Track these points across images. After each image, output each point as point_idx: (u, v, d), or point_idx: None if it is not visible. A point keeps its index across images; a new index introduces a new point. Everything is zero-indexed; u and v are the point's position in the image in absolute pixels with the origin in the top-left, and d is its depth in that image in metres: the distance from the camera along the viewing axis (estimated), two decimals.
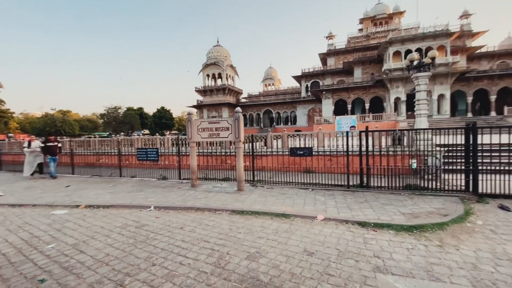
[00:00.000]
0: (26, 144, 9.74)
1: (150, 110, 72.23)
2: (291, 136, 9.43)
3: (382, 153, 6.85)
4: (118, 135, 43.12)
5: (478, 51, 32.05)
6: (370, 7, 43.96)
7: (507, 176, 5.29)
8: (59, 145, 9.69)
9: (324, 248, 3.34)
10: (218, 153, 8.63)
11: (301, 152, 6.78)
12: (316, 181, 6.97)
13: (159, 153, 8.42)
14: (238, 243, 3.56)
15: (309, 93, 42.88)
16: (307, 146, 8.76)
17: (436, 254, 3.10)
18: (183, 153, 8.36)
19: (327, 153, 8.12)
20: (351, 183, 6.54)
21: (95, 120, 66.36)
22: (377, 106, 31.37)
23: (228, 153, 8.54)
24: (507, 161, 5.79)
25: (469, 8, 42.44)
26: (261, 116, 49.72)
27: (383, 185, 6.26)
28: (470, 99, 28.32)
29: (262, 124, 48.85)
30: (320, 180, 6.94)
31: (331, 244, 3.46)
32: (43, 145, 9.41)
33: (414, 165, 6.18)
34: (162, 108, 72.29)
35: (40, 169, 9.88)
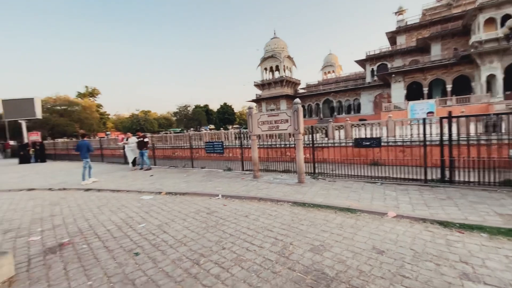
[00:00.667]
0: (125, 139, 11.57)
1: (214, 106, 77.45)
2: (355, 126, 8.80)
3: (471, 142, 5.77)
4: (188, 130, 47.97)
5: None
6: None
7: None
8: (146, 139, 11.16)
9: (396, 247, 3.06)
10: (277, 145, 8.73)
11: (368, 143, 6.27)
12: (385, 174, 6.38)
13: (224, 146, 9.02)
14: (301, 235, 3.57)
15: (375, 78, 38.97)
16: (374, 136, 8.04)
17: None
18: (245, 146, 8.75)
19: (399, 143, 7.28)
20: (429, 177, 5.74)
21: (170, 117, 75.06)
22: (462, 87, 26.32)
23: (288, 145, 8.53)
24: None
25: None
26: (321, 106, 47.81)
27: (472, 180, 5.29)
28: None
29: (321, 115, 46.98)
30: (391, 174, 6.32)
31: (404, 244, 3.14)
32: (138, 140, 10.80)
33: None
34: (225, 104, 76.70)
35: (133, 161, 11.65)
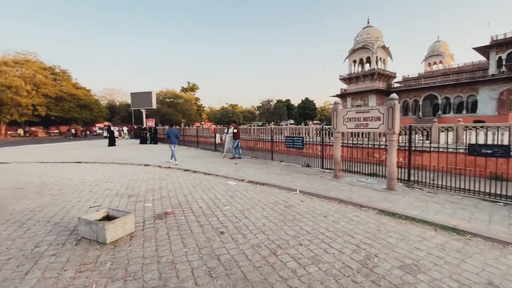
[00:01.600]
0: (226, 130, 12.78)
1: (295, 101, 77.47)
2: (469, 129, 7.10)
3: None
4: (268, 124, 49.66)
5: None
6: None
7: None
8: (235, 130, 11.98)
9: None
10: (363, 145, 7.98)
11: (489, 151, 4.96)
12: (510, 192, 4.94)
13: (304, 142, 8.90)
14: (388, 248, 3.19)
15: (504, 69, 30.36)
16: (499, 142, 6.30)
17: None
18: (326, 143, 8.39)
19: None
20: None
21: (253, 111, 79.53)
22: None
23: (376, 146, 7.68)
24: None
25: None
26: (420, 103, 40.94)
27: None
28: None
29: (421, 113, 40.24)
30: None
31: None
32: (235, 131, 11.51)
33: None
34: (306, 99, 75.53)
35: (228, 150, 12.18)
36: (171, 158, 10.58)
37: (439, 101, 38.15)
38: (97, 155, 13.75)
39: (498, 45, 31.63)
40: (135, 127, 32.64)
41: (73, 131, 38.47)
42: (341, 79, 47.93)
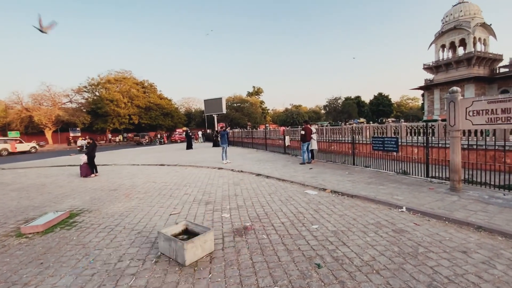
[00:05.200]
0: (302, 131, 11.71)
1: (366, 98, 70.69)
2: None
3: None
4: (335, 124, 46.36)
5: None
6: None
7: None
8: (302, 132, 10.94)
9: None
10: (488, 147, 5.92)
11: None
12: None
13: (399, 143, 7.28)
14: None
15: None
16: None
17: None
18: (431, 145, 6.59)
19: None
20: None
21: (318, 111, 76.27)
22: None
23: (508, 148, 5.59)
24: None
25: None
26: None
27: None
28: None
29: None
30: None
31: None
32: (303, 132, 10.14)
33: None
34: (380, 94, 68.31)
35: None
36: (223, 158, 11.41)
37: None
38: (177, 158, 14.83)
39: None
40: (208, 131, 35.01)
41: (158, 136, 42.38)
42: (425, 68, 40.93)
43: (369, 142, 8.82)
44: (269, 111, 77.93)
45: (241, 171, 9.09)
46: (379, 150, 7.79)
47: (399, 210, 4.52)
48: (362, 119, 62.56)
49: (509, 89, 34.20)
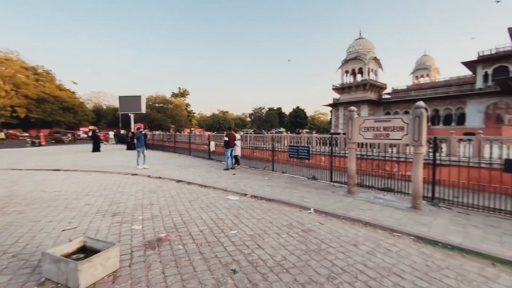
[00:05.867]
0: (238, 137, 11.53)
1: (286, 110, 77.61)
2: (494, 142, 6.61)
3: None
4: (259, 132, 49.09)
5: None
6: None
7: None
8: (226, 138, 11.00)
9: None
10: (377, 157, 7.38)
11: None
12: None
13: (310, 152, 8.21)
14: None
15: (490, 83, 31.30)
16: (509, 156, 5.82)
17: None
18: (335, 154, 7.72)
19: None
20: None
21: (244, 118, 78.95)
22: None
23: (388, 158, 7.11)
24: None
25: None
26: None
27: None
28: None
29: None
30: None
31: None
32: (227, 138, 10.11)
33: None
34: (297, 107, 75.92)
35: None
36: (139, 163, 10.57)
37: (429, 113, 38.79)
38: (79, 161, 12.55)
39: (484, 60, 32.65)
40: (122, 132, 31.09)
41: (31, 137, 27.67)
42: (333, 89, 48.25)
43: (286, 150, 9.62)
44: (195, 114, 75.87)
45: (160, 178, 8.41)
46: (294, 157, 8.60)
47: (308, 211, 5.06)
48: (282, 129, 68.23)
49: (390, 112, 43.74)
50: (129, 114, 28.52)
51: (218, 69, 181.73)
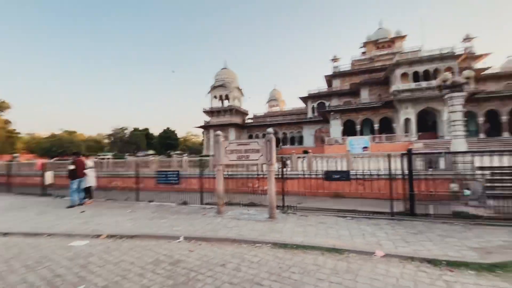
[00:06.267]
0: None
1: (155, 131, 72.75)
2: (317, 158, 8.99)
3: (423, 177, 6.38)
4: (122, 155, 43.00)
5: (483, 73, 32.20)
6: (372, 32, 45.24)
7: None
8: (71, 167, 8.22)
9: None
10: (241, 176, 8.19)
11: (337, 176, 6.31)
12: (349, 207, 6.44)
13: (180, 176, 7.99)
14: (297, 287, 3.01)
15: (316, 114, 43.06)
16: (335, 168, 8.30)
17: None
18: (205, 176, 7.91)
19: (359, 177, 7.61)
20: (388, 211, 5.93)
21: (101, 140, 66.80)
22: (386, 127, 31.08)
23: (254, 176, 8.10)
24: None
25: (471, 32, 43.29)
26: None
27: (430, 212, 5.69)
28: (481, 120, 27.98)
29: None
30: (354, 206, 6.43)
31: None
32: (72, 167, 8.15)
33: (468, 192, 5.65)
34: (168, 128, 72.93)
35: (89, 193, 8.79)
36: None
37: (280, 135, 47.99)
38: None
39: (312, 97, 44.72)
40: None
41: None
42: (204, 112, 50.26)
43: (154, 176, 8.89)
44: (21, 135, 56.50)
45: None
46: (163, 183, 8.06)
47: (177, 240, 4.79)
48: (151, 151, 63.01)
49: (253, 134, 50.27)
50: None
51: (64, 82, 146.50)
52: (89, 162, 9.07)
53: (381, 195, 6.71)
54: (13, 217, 6.89)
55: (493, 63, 46.03)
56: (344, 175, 6.30)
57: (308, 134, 44.86)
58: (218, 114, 48.97)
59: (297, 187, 8.10)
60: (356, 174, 7.37)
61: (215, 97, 49.59)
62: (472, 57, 33.91)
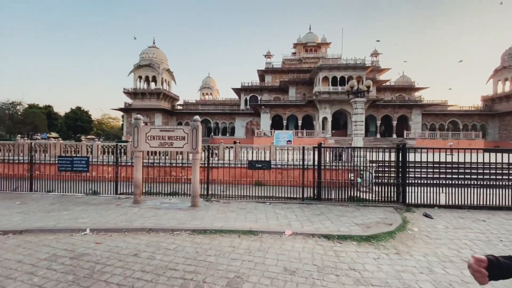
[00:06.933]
0: None
1: (61, 109, 60.95)
2: (244, 148, 9.35)
3: (327, 167, 7.50)
4: (11, 137, 34.60)
5: (384, 84, 39.45)
6: (302, 35, 49.12)
7: (426, 188, 6.47)
8: None
9: (303, 265, 3.30)
10: (163, 164, 7.81)
11: (260, 166, 6.76)
12: (268, 194, 7.04)
13: (89, 163, 7.04)
14: (212, 268, 3.18)
15: (248, 106, 44.27)
16: (259, 159, 8.84)
17: (398, 262, 3.45)
18: (122, 163, 7.20)
19: (279, 166, 8.35)
20: (300, 196, 6.79)
21: None
22: (308, 124, 34.67)
23: (177, 164, 7.84)
24: (426, 175, 7.10)
25: (377, 48, 51.92)
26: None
27: (332, 197, 6.77)
28: (379, 123, 34.34)
29: None
30: (272, 193, 7.06)
31: (307, 260, 3.45)
32: None
33: (360, 179, 6.93)
34: (78, 108, 62.38)
35: None
36: None
37: (212, 125, 47.36)
38: None
39: (245, 89, 45.50)
40: None
41: None
42: (125, 93, 44.78)
43: (56, 162, 7.55)
44: None
45: None
46: (67, 170, 6.95)
47: (83, 233, 4.29)
48: (54, 134, 52.75)
49: (182, 122, 47.90)
50: None
51: None
52: None
53: (296, 183, 7.56)
54: None
55: (391, 77, 56.69)
56: (266, 165, 6.81)
57: (240, 126, 45.81)
58: (143, 96, 44.61)
59: (222, 175, 8.26)
60: (276, 164, 8.05)
61: (140, 77, 44.90)
62: (377, 69, 40.90)
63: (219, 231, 4.48)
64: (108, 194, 7.00)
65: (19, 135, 38.96)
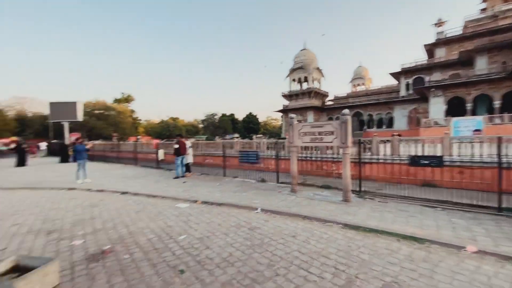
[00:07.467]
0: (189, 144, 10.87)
1: (240, 116, 78.60)
2: (403, 142, 8.07)
3: None
4: (217, 138, 48.76)
5: None
6: None
7: None
8: (176, 146, 10.42)
9: None
10: (316, 158, 8.26)
11: (426, 162, 5.59)
12: (443, 197, 5.63)
13: (259, 156, 8.72)
14: (365, 266, 3.08)
15: (411, 92, 37.08)
16: (426, 154, 7.29)
17: None
18: (281, 157, 8.38)
19: (458, 164, 6.48)
20: (495, 206, 4.90)
21: (196, 125, 77.33)
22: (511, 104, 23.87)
23: (329, 159, 8.04)
24: None
25: None
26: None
27: None
28: None
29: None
30: (449, 197, 5.58)
31: None
32: (177, 146, 9.99)
33: None
34: (250, 113, 77.53)
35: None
36: (79, 177, 9.52)
37: (364, 118, 43.89)
38: None
39: (406, 72, 38.51)
40: (53, 141, 27.57)
41: None
42: (283, 96, 50.87)
43: (238, 155, 9.99)
44: (141, 122, 71.33)
45: (102, 191, 7.88)
46: (244, 162, 9.00)
47: (256, 211, 5.45)
48: (236, 135, 68.88)
49: (333, 117, 47.96)
50: (63, 123, 25.50)
51: (166, 74, 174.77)
52: (188, 142, 10.96)
53: (487, 187, 5.57)
54: (138, 183, 9.20)
55: None
56: (436, 161, 5.50)
57: (400, 115, 39.40)
58: (297, 97, 48.58)
59: (377, 172, 7.58)
60: (452, 160, 6.31)
61: (294, 80, 49.14)
62: None
63: (374, 230, 4.20)
64: (272, 182, 8.38)
65: (217, 136, 54.06)
